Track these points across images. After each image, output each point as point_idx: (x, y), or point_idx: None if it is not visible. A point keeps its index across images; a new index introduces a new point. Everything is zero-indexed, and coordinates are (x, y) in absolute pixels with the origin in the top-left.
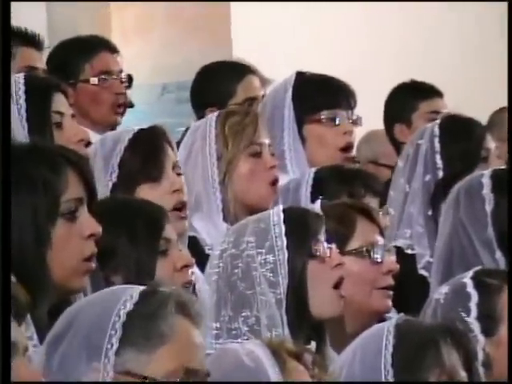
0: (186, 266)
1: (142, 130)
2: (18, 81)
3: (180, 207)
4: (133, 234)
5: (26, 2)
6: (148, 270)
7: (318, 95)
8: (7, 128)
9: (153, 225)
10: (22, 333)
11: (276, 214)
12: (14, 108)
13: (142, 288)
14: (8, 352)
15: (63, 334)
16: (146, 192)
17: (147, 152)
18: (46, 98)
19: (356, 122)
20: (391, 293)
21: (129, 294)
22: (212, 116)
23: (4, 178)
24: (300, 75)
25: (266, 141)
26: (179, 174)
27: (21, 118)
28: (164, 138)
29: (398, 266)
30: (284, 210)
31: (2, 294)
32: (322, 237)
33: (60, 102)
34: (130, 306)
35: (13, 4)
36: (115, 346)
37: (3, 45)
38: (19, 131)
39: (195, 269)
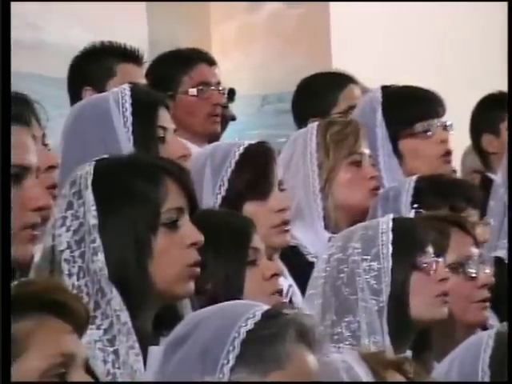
0: (275, 275)
1: (251, 145)
2: (124, 92)
3: (284, 224)
4: (220, 246)
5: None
6: (237, 279)
7: (410, 109)
8: (7, 128)
9: (240, 235)
10: (82, 345)
11: (385, 222)
12: (120, 120)
13: (265, 308)
14: (8, 352)
15: (183, 340)
16: (252, 209)
17: (256, 169)
18: (153, 112)
19: (448, 129)
20: (487, 304)
21: (251, 313)
22: (313, 125)
23: (4, 178)
24: (386, 89)
25: (367, 151)
26: (283, 190)
27: (127, 131)
28: (271, 155)
29: (493, 280)
30: (393, 219)
31: (1, 294)
32: (430, 249)
33: (164, 117)
34: (250, 325)
35: (114, 20)
36: (231, 363)
37: (3, 45)
38: (125, 144)
39: (290, 280)
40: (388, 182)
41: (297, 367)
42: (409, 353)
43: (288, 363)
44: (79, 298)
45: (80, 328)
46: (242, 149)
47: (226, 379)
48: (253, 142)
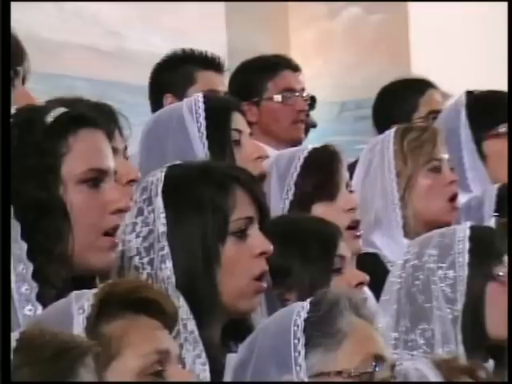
0: (361, 284)
1: (315, 149)
2: (197, 99)
3: (354, 226)
4: (306, 253)
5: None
6: (322, 287)
7: (494, 110)
8: (7, 129)
9: (326, 243)
10: (174, 342)
11: (462, 230)
12: (193, 126)
13: (309, 299)
14: (8, 349)
15: (247, 361)
16: (320, 210)
17: (322, 171)
18: (226, 116)
19: None
20: None
21: (300, 306)
22: (389, 132)
23: (4, 178)
24: (470, 94)
25: (445, 156)
26: (351, 192)
27: (201, 136)
28: (337, 157)
29: None
30: (471, 227)
31: (1, 294)
32: (506, 259)
33: (238, 121)
34: (304, 314)
35: (194, 27)
36: (302, 352)
37: (3, 45)
38: (199, 149)
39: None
40: (473, 182)
41: (361, 332)
42: (491, 362)
43: (352, 331)
44: (167, 294)
45: (170, 324)
46: (306, 152)
47: (303, 370)
48: (317, 145)
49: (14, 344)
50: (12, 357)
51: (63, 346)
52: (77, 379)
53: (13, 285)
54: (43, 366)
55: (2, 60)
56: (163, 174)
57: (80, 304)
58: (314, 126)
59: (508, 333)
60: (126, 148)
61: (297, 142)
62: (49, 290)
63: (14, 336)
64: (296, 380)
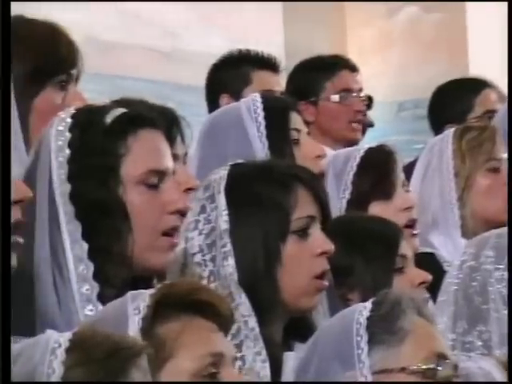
0: (423, 283)
1: (371, 148)
2: (255, 99)
3: (411, 224)
4: (368, 253)
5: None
6: (384, 287)
7: None
8: (7, 130)
9: (388, 242)
10: (229, 344)
11: None
12: (253, 126)
13: (371, 299)
14: (8, 352)
15: (309, 360)
16: (378, 209)
17: (379, 171)
18: (284, 115)
19: None
20: None
21: (362, 306)
22: (448, 132)
23: (4, 178)
24: None
25: (505, 155)
26: (407, 191)
27: (260, 135)
28: (392, 157)
29: None
30: None
31: (2, 294)
32: None
33: (296, 120)
34: (366, 313)
35: (251, 28)
36: (365, 349)
37: (3, 45)
38: (259, 148)
39: None
40: None
41: (423, 330)
42: None
43: (415, 327)
44: (223, 297)
45: (225, 327)
46: (362, 152)
47: (366, 367)
48: (372, 145)
49: (66, 344)
50: (65, 357)
51: (115, 347)
52: (129, 380)
53: (74, 285)
54: (95, 366)
55: (1, 60)
56: (226, 172)
57: (136, 304)
58: (371, 125)
59: (508, 332)
60: (186, 154)
61: (354, 142)
62: (109, 290)
63: (67, 336)
64: (359, 377)
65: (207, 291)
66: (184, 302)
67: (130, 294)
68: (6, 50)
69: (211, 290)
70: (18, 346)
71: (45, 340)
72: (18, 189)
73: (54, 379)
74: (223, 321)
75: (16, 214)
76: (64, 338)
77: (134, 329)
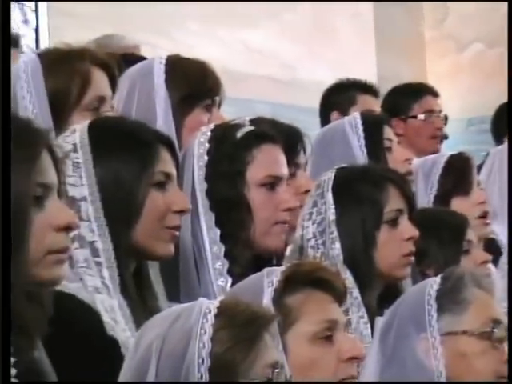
0: (485, 262)
1: (453, 155)
2: (356, 116)
3: (484, 215)
4: (441, 238)
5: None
6: (453, 265)
7: None
8: (7, 130)
9: (457, 230)
10: (342, 313)
11: None
12: (354, 137)
13: (440, 274)
14: (8, 351)
15: (391, 323)
16: (458, 203)
17: (459, 172)
18: (379, 128)
19: None
20: None
21: (432, 280)
22: (506, 143)
23: (4, 178)
24: None
25: None
26: (481, 189)
27: (360, 145)
28: (469, 162)
29: None
30: None
31: (2, 294)
32: None
33: (389, 132)
34: (435, 287)
35: (350, 59)
36: (435, 316)
37: (3, 45)
38: (359, 155)
39: (490, 265)
40: None
41: (483, 300)
42: None
43: (475, 298)
44: (339, 274)
45: (340, 299)
46: (446, 157)
47: (436, 330)
48: (454, 152)
49: (215, 310)
50: (213, 321)
51: (253, 315)
52: (262, 342)
53: (209, 262)
54: (237, 330)
55: (1, 60)
56: (333, 174)
57: (270, 279)
58: (446, 137)
59: (508, 332)
60: (306, 163)
61: (434, 152)
62: (236, 267)
63: (216, 304)
64: (430, 338)
65: (326, 270)
66: (308, 278)
67: (266, 269)
68: (6, 51)
69: (330, 269)
70: (174, 308)
71: (198, 306)
72: (184, 200)
73: (205, 339)
74: (338, 294)
75: (176, 221)
76: (213, 305)
77: (267, 298)
